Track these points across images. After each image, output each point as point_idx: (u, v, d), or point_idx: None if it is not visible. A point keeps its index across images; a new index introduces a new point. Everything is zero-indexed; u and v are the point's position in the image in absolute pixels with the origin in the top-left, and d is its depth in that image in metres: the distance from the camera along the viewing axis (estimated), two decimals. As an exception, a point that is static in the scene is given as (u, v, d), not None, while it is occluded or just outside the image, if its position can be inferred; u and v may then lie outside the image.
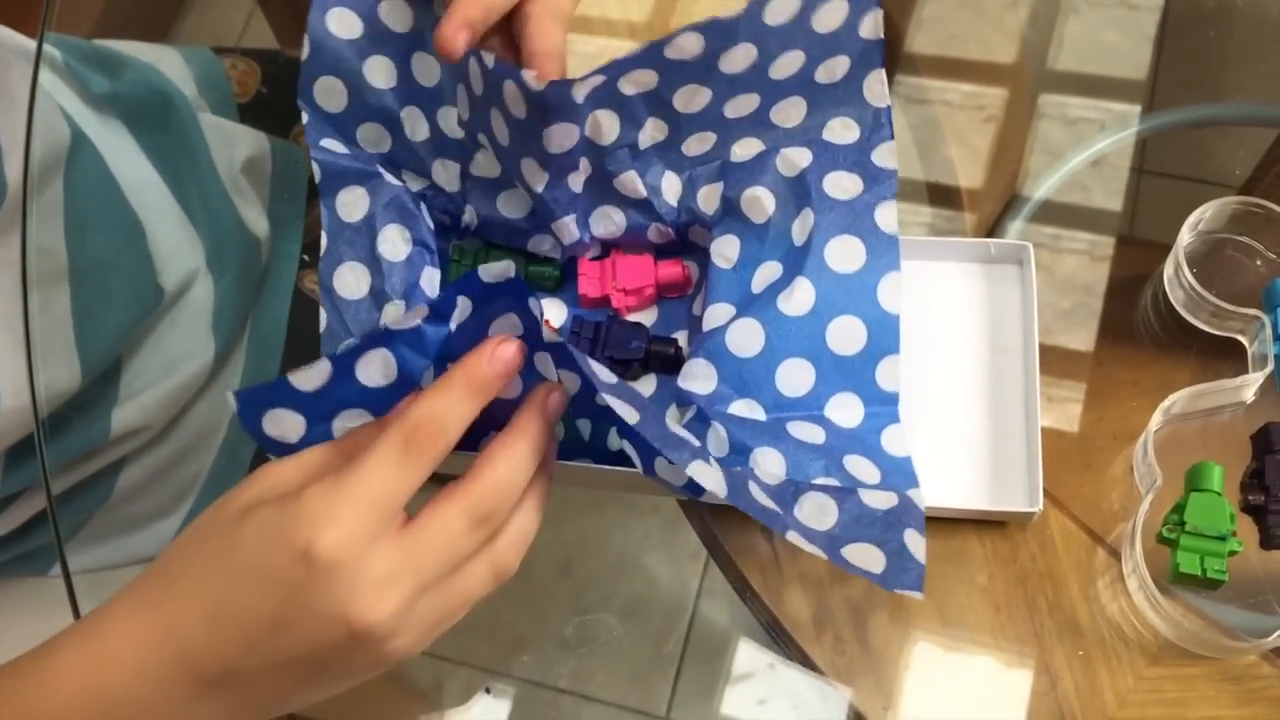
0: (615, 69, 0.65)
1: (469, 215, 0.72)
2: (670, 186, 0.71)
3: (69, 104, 0.80)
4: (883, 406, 0.66)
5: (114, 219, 0.79)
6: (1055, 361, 0.77)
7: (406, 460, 0.52)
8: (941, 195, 0.86)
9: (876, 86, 0.71)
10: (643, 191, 0.70)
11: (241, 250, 0.88)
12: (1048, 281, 0.79)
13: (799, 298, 0.66)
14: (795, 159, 0.69)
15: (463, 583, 0.53)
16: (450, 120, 0.70)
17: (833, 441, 0.66)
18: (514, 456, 0.53)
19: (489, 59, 0.62)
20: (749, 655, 0.72)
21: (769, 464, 0.63)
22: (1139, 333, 0.78)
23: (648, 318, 0.75)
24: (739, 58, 0.66)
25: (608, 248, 0.74)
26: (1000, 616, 0.69)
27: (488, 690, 0.72)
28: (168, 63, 0.93)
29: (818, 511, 0.61)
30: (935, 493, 0.69)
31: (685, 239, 0.74)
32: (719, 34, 0.65)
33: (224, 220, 0.87)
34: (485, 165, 0.71)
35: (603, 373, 0.55)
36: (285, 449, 0.56)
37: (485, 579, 0.54)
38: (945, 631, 0.69)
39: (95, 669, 0.52)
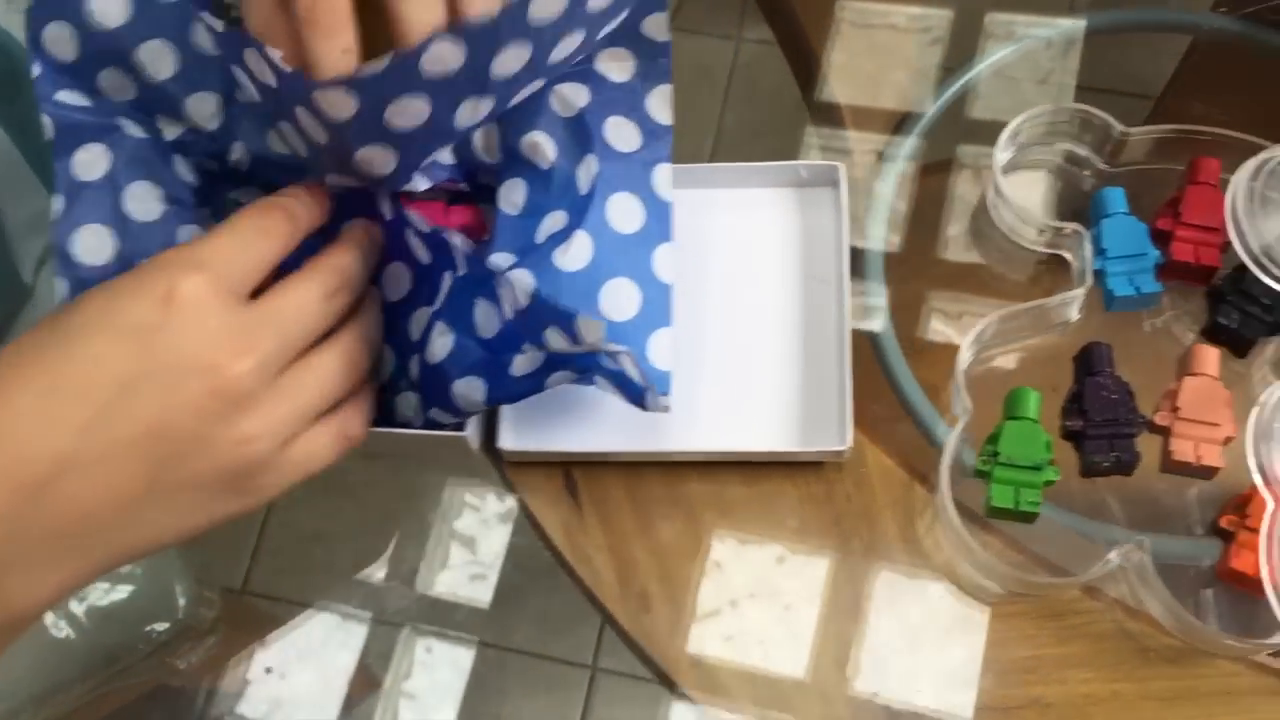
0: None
1: (238, 153, 0.65)
2: None
3: None
4: (655, 382, 0.61)
5: None
6: (889, 288, 0.73)
7: (260, 235, 0.54)
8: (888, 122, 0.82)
9: (655, 26, 0.66)
10: None
11: None
12: (908, 200, 0.76)
13: (575, 252, 0.61)
14: (571, 97, 0.64)
15: (315, 372, 0.54)
16: (203, 39, 0.64)
17: None
18: (359, 247, 0.58)
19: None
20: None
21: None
22: (974, 256, 0.73)
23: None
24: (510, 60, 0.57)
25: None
26: (810, 558, 0.66)
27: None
28: (16, 23, 0.87)
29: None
30: (741, 436, 0.66)
31: (483, 186, 0.69)
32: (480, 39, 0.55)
33: None
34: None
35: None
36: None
37: (335, 371, 0.55)
38: (756, 579, 0.66)
39: None
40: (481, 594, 1.32)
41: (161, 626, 0.93)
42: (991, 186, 0.70)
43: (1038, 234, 0.70)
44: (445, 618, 1.32)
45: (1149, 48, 0.86)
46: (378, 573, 1.32)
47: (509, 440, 0.66)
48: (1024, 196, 0.71)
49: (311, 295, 0.54)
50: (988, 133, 0.72)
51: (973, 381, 0.67)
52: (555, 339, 0.58)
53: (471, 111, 0.58)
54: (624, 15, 0.62)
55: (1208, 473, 0.64)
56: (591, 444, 0.66)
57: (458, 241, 0.61)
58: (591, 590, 0.66)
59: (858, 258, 0.72)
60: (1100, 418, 0.64)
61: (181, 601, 0.93)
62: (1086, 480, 0.66)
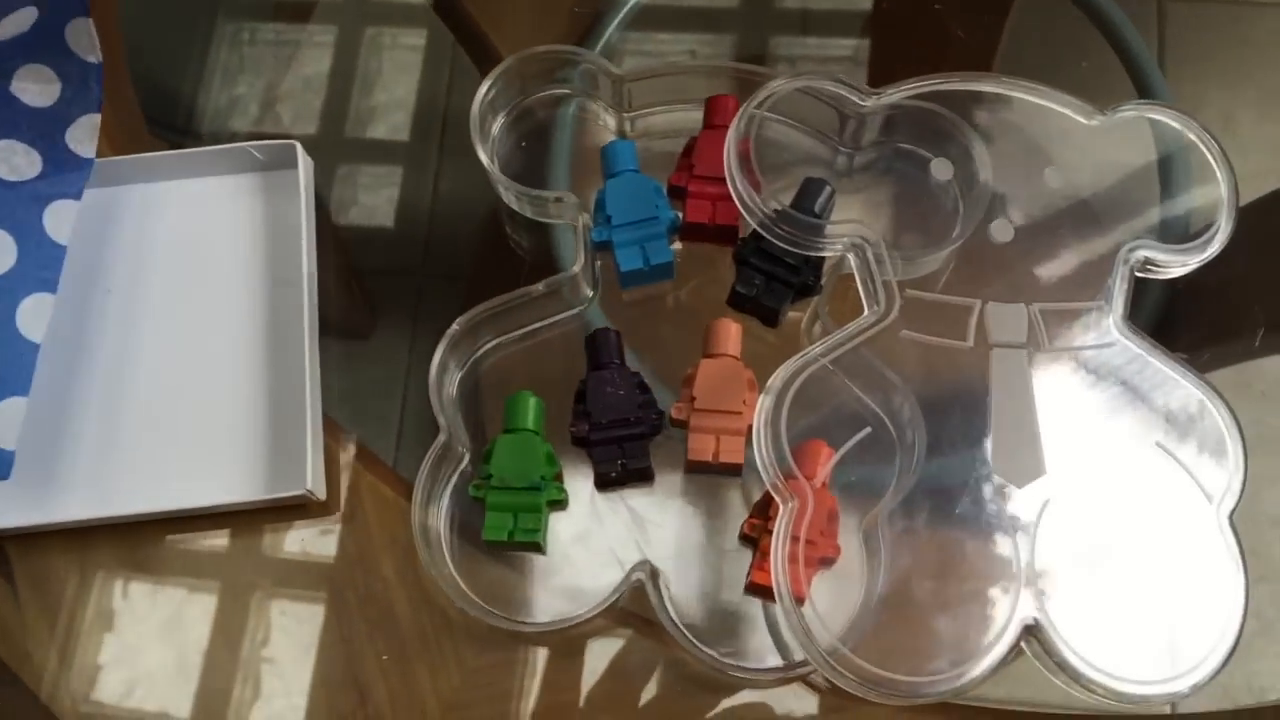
0: None
1: None
2: None
3: None
4: None
5: None
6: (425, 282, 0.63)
7: None
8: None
9: (84, 38, 0.53)
10: None
11: None
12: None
13: None
14: None
15: None
16: None
17: None
18: None
19: None
20: None
21: None
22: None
23: None
24: None
25: None
26: (299, 625, 0.55)
27: None
28: None
29: None
30: (188, 490, 0.56)
31: None
32: None
33: None
34: None
35: None
36: None
37: None
38: (224, 653, 0.55)
39: None
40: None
41: None
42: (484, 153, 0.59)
43: (531, 205, 0.59)
44: None
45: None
46: None
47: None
48: (524, 159, 0.61)
49: None
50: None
51: (486, 390, 0.57)
52: None
53: None
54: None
55: (734, 470, 0.55)
56: (14, 517, 0.54)
57: None
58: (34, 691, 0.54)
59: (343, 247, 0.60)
60: (606, 419, 0.55)
61: None
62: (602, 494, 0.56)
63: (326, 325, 0.59)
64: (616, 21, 0.67)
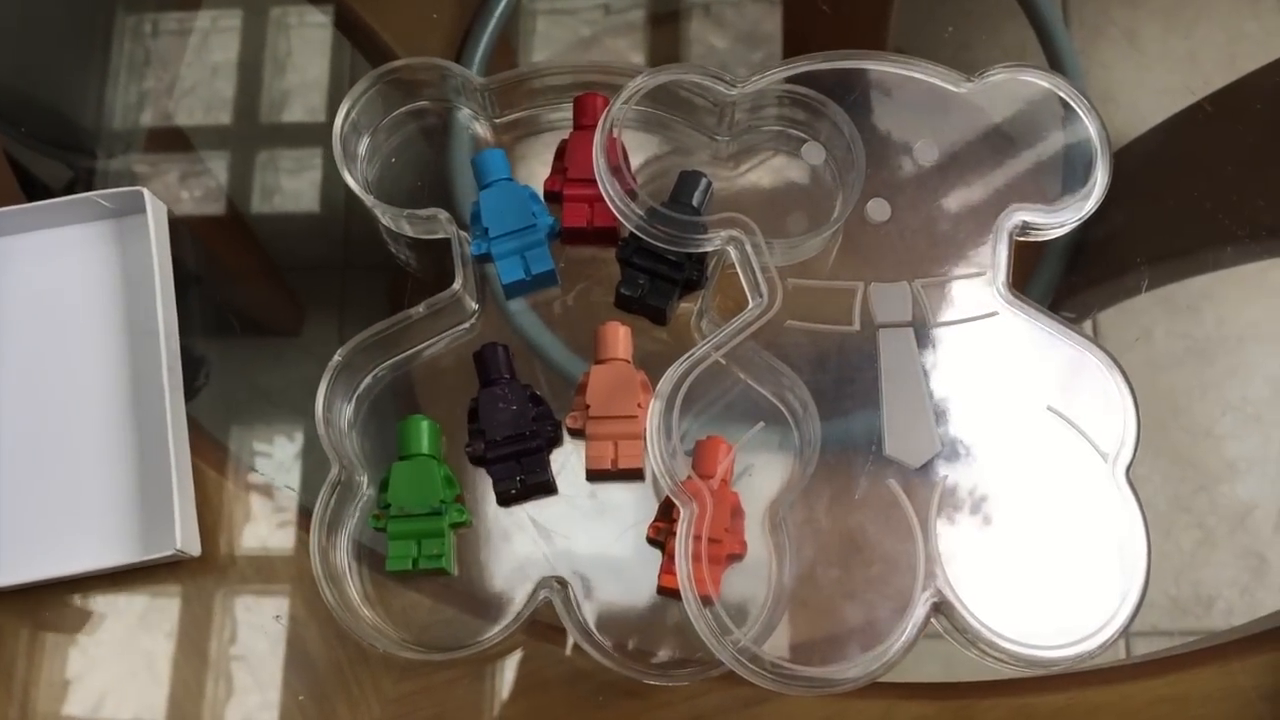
0: None
1: None
2: None
3: None
4: None
5: None
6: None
7: None
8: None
9: None
10: None
11: None
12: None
13: None
14: None
15: None
16: None
17: None
18: None
19: None
20: None
21: None
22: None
23: None
24: None
25: None
26: (212, 672, 0.54)
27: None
28: None
29: None
30: (56, 558, 0.54)
31: None
32: None
33: None
34: None
35: None
36: None
37: None
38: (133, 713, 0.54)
39: None
40: None
41: None
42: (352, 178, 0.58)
43: (409, 224, 0.58)
44: None
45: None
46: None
47: None
48: (396, 176, 0.60)
49: None
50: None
51: (378, 418, 0.56)
52: None
53: None
54: None
55: (635, 476, 0.54)
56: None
57: None
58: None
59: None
60: (500, 436, 0.54)
61: None
62: (505, 509, 0.55)
63: (254, 322, 0.59)
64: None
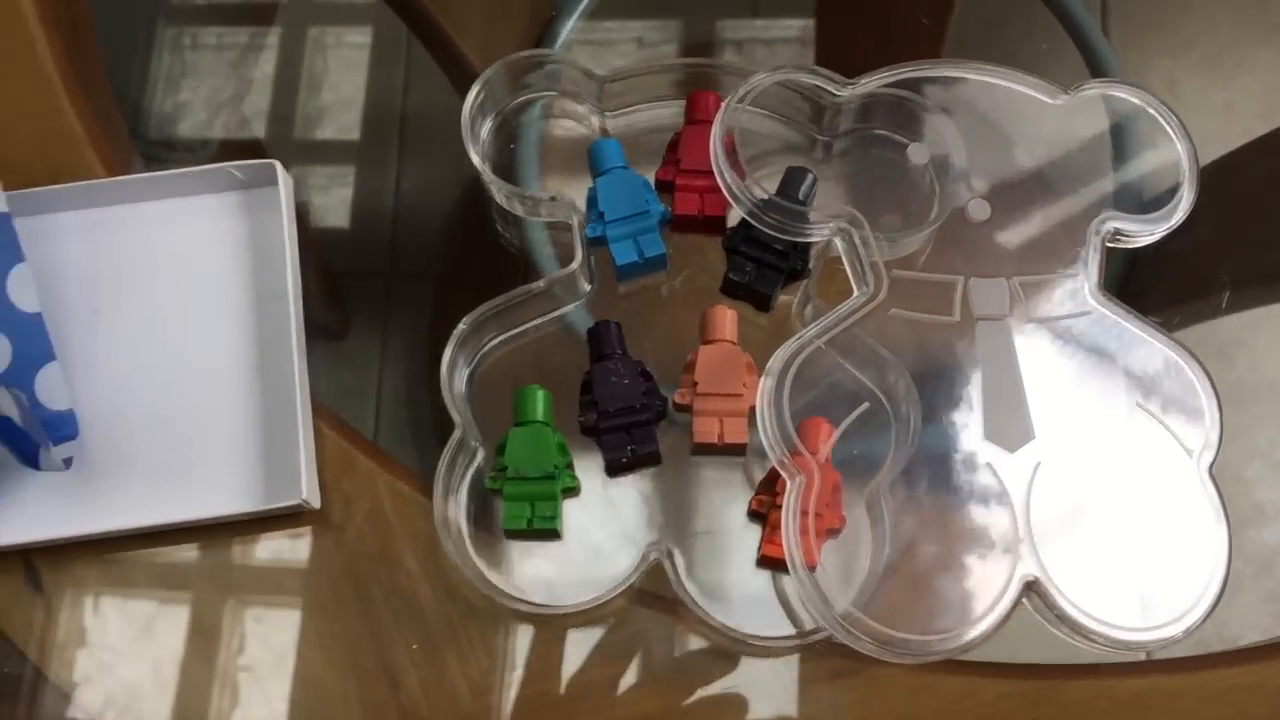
0: None
1: None
2: None
3: None
4: (55, 433, 0.51)
5: None
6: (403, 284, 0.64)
7: None
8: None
9: None
10: None
11: None
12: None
13: None
14: None
15: None
16: None
17: None
18: None
19: None
20: None
21: None
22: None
23: None
24: None
25: None
26: (329, 622, 0.56)
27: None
28: None
29: None
30: (187, 503, 0.57)
31: None
32: None
33: None
34: None
35: None
36: None
37: None
38: (258, 656, 0.57)
39: None
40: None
41: None
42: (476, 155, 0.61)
43: (524, 206, 0.61)
44: None
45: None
46: None
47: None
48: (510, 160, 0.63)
49: None
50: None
51: (490, 387, 0.59)
52: None
53: None
54: None
55: (738, 450, 0.57)
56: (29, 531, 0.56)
57: None
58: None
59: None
60: (613, 408, 0.57)
61: None
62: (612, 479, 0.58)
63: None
64: (577, 14, 0.69)
